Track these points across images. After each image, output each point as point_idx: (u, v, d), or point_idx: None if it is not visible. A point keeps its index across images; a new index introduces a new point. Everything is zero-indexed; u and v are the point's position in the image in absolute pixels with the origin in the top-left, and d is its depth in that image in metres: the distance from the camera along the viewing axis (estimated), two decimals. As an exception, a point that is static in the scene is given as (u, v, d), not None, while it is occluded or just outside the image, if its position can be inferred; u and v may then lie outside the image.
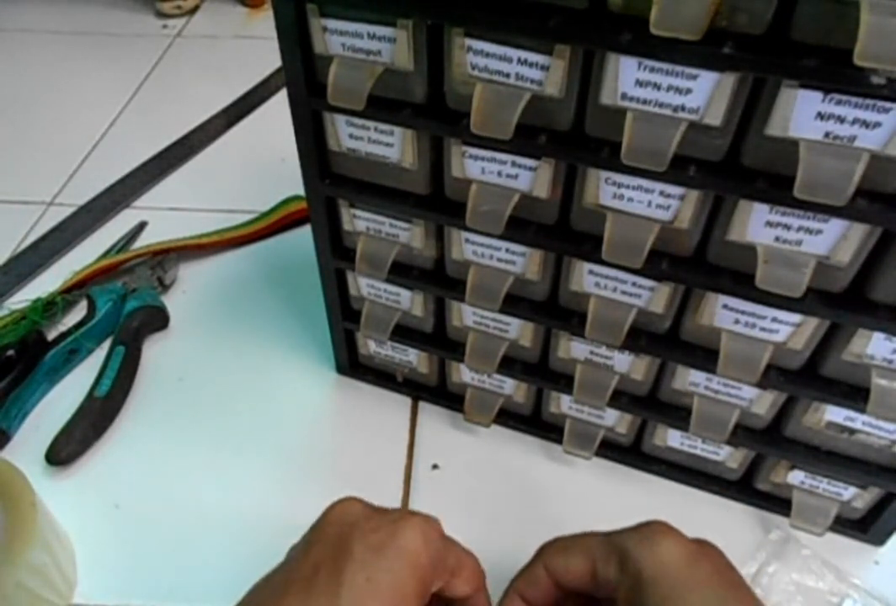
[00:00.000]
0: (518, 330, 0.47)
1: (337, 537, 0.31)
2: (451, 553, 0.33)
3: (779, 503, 0.48)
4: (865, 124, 0.29)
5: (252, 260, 0.68)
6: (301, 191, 0.45)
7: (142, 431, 0.54)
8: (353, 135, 0.41)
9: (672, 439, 0.48)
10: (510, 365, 0.48)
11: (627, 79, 0.31)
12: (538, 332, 0.47)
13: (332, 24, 0.36)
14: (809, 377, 0.40)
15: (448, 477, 0.51)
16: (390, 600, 0.29)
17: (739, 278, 0.36)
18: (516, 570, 0.36)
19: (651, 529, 0.32)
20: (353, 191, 0.43)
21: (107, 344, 0.59)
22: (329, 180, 0.44)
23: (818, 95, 0.29)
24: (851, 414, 0.40)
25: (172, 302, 0.63)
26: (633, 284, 0.40)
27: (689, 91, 0.31)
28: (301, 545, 0.32)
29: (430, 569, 0.31)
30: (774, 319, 0.38)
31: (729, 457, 0.48)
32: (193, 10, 1.08)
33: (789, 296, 0.35)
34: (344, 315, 0.52)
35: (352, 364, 0.57)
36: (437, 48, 0.35)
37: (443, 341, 0.51)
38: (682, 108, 0.31)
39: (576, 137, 0.35)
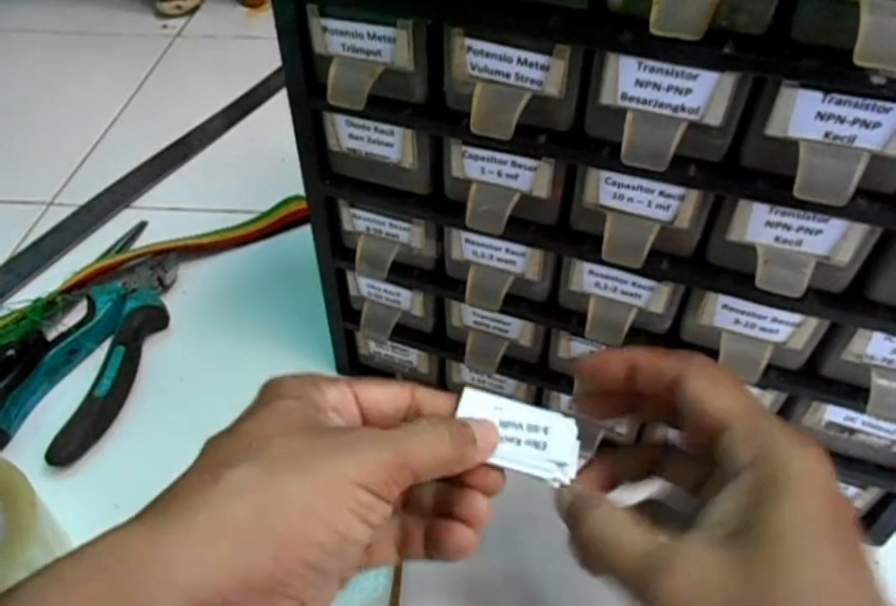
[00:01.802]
0: (518, 330, 0.47)
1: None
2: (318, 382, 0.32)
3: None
4: (865, 124, 0.29)
5: (252, 260, 0.68)
6: (301, 191, 0.45)
7: (142, 431, 0.54)
8: (353, 135, 0.41)
9: (672, 439, 0.48)
10: (510, 365, 0.48)
11: (627, 79, 0.31)
12: (538, 332, 0.47)
13: (332, 24, 0.36)
14: (809, 377, 0.40)
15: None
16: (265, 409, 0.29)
17: (739, 278, 0.36)
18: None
19: (809, 448, 0.27)
20: (353, 191, 0.43)
21: (107, 344, 0.59)
22: (329, 180, 0.44)
23: (818, 95, 0.29)
24: (851, 414, 0.40)
25: (172, 302, 0.63)
26: (633, 284, 0.40)
27: (689, 91, 0.31)
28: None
29: (292, 387, 0.31)
30: (774, 319, 0.38)
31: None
32: (193, 10, 1.08)
33: (789, 296, 0.35)
34: (344, 315, 0.52)
35: (352, 364, 0.57)
36: (437, 48, 0.35)
37: (443, 341, 0.51)
38: (682, 108, 0.31)
39: (576, 137, 0.35)
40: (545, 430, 0.33)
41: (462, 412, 0.33)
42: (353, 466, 0.25)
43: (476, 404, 0.33)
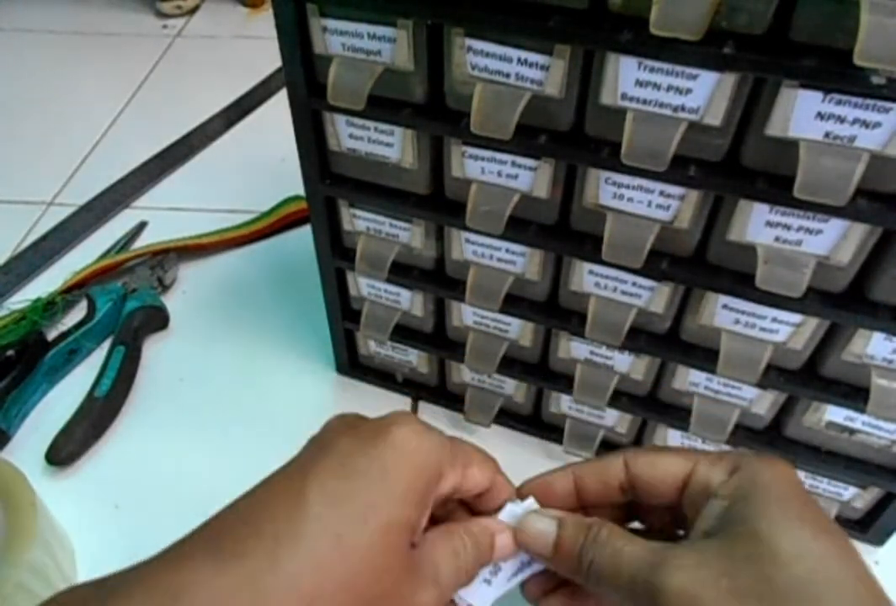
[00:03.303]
0: (518, 330, 0.47)
1: (324, 435, 0.28)
2: (455, 446, 0.30)
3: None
4: (865, 124, 0.29)
5: (252, 260, 0.68)
6: (301, 191, 0.45)
7: (142, 431, 0.54)
8: (353, 135, 0.41)
9: (672, 439, 0.48)
10: (510, 365, 0.48)
11: (627, 79, 0.31)
12: (538, 332, 0.47)
13: (332, 24, 0.36)
14: (809, 377, 0.40)
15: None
16: (372, 484, 0.25)
17: (739, 278, 0.36)
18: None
19: (770, 457, 0.30)
20: (353, 191, 0.43)
21: (107, 344, 0.59)
22: (329, 180, 0.44)
23: (818, 95, 0.29)
24: (851, 414, 0.40)
25: (172, 302, 0.63)
26: (633, 284, 0.40)
27: (689, 91, 0.31)
28: None
29: (432, 467, 0.27)
30: (774, 319, 0.38)
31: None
32: (193, 10, 1.08)
33: (789, 296, 0.35)
34: (344, 315, 0.52)
35: (352, 364, 0.57)
36: (437, 48, 0.35)
37: (443, 341, 0.51)
38: (682, 108, 0.31)
39: (576, 137, 0.35)
40: None
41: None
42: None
43: None
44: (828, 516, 0.27)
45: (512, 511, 0.32)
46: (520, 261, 0.42)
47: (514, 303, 0.44)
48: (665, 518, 0.32)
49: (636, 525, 0.34)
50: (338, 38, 0.36)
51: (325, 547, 0.23)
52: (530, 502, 0.32)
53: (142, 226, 0.72)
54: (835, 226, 0.33)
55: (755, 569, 0.25)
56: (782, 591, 0.24)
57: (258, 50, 0.97)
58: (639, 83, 0.31)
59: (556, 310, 0.44)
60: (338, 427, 0.29)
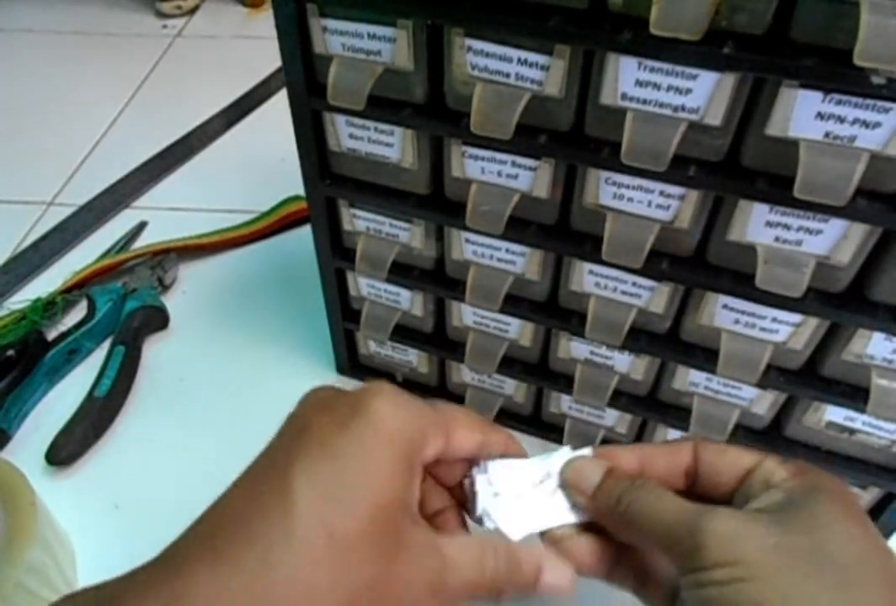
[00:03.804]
0: (518, 330, 0.47)
1: (297, 417, 0.28)
2: (437, 411, 0.29)
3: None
4: (865, 124, 0.29)
5: (252, 260, 0.68)
6: (301, 191, 0.45)
7: (142, 431, 0.54)
8: (353, 135, 0.41)
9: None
10: (510, 365, 0.48)
11: (627, 79, 0.31)
12: (538, 332, 0.47)
13: (332, 24, 0.36)
14: (809, 377, 0.40)
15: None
16: (355, 467, 0.25)
17: (739, 278, 0.36)
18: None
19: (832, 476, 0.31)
20: (353, 191, 0.43)
21: (107, 344, 0.59)
22: (329, 180, 0.44)
23: (818, 95, 0.29)
24: (851, 414, 0.40)
25: (172, 302, 0.63)
26: (633, 284, 0.40)
27: (689, 91, 0.31)
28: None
29: (412, 436, 0.27)
30: (774, 319, 0.38)
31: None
32: (193, 10, 1.08)
33: (789, 296, 0.35)
34: (344, 315, 0.52)
35: (352, 364, 0.57)
36: (437, 48, 0.35)
37: (443, 341, 0.51)
38: (682, 108, 0.31)
39: (576, 137, 0.35)
40: (548, 474, 0.33)
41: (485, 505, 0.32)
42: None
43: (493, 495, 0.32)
44: (873, 525, 0.28)
45: (563, 453, 0.33)
46: (520, 261, 0.42)
47: (514, 303, 0.44)
48: None
49: None
50: (338, 38, 0.36)
51: (318, 545, 0.23)
52: (587, 450, 0.33)
53: (142, 226, 0.72)
54: (835, 226, 0.33)
55: (806, 538, 0.25)
56: (828, 562, 0.25)
57: (258, 50, 0.97)
58: (639, 83, 0.31)
59: (556, 310, 0.44)
60: (314, 403, 0.28)
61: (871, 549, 0.26)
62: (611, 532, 0.31)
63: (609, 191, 0.36)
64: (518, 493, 0.32)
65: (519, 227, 0.40)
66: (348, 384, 0.57)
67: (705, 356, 0.41)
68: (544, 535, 0.32)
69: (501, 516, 0.31)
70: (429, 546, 0.26)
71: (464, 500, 0.33)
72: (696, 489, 0.32)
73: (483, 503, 0.32)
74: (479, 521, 0.32)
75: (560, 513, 0.32)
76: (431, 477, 0.33)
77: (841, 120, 0.29)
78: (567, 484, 0.32)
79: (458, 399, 0.53)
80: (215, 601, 0.22)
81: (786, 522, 0.26)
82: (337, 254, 0.48)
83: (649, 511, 0.28)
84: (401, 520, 0.26)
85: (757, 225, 0.34)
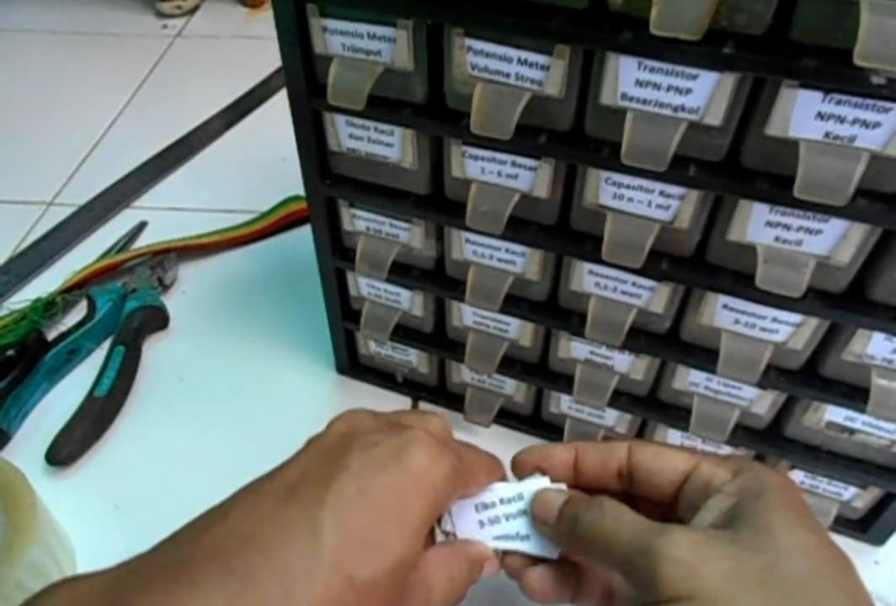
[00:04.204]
0: (518, 330, 0.47)
1: (334, 446, 0.27)
2: (464, 462, 0.30)
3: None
4: (865, 124, 0.29)
5: (252, 260, 0.68)
6: (301, 191, 0.45)
7: (142, 431, 0.54)
8: (353, 135, 0.41)
9: (672, 439, 0.48)
10: (510, 365, 0.48)
11: (627, 79, 0.31)
12: (538, 332, 0.47)
13: (332, 24, 0.36)
14: (809, 377, 0.40)
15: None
16: (389, 518, 0.25)
17: (739, 278, 0.36)
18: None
19: (766, 467, 0.31)
20: (353, 191, 0.43)
21: (107, 344, 0.59)
22: (329, 180, 0.44)
23: (818, 95, 0.29)
24: (851, 414, 0.40)
25: (172, 302, 0.63)
26: (633, 284, 0.40)
27: (689, 91, 0.31)
28: (296, 454, 0.28)
29: (445, 491, 0.28)
30: (774, 319, 0.38)
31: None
32: (193, 10, 1.08)
33: (789, 296, 0.35)
34: (344, 315, 0.52)
35: (352, 364, 0.57)
36: (437, 48, 0.35)
37: (443, 341, 0.51)
38: (682, 108, 0.31)
39: (576, 137, 0.35)
40: (520, 496, 0.33)
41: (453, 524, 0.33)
42: None
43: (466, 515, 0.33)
44: (824, 528, 0.29)
45: (531, 484, 0.33)
46: (520, 261, 0.42)
47: (514, 303, 0.44)
48: (655, 516, 0.32)
49: None
50: (338, 38, 0.36)
51: (337, 586, 0.23)
52: (562, 485, 0.33)
53: (142, 226, 0.72)
54: (835, 226, 0.33)
55: (761, 558, 0.25)
56: (785, 582, 0.25)
57: (258, 50, 0.97)
58: (639, 83, 0.31)
59: (556, 310, 0.44)
60: (353, 434, 0.28)
61: (824, 560, 0.26)
62: (575, 556, 0.32)
63: (609, 191, 0.36)
64: (483, 503, 0.33)
65: (519, 227, 0.40)
66: (348, 384, 0.57)
67: (705, 356, 0.41)
68: (504, 562, 0.33)
69: (460, 518, 0.33)
70: (422, 579, 0.28)
71: None
72: (634, 491, 0.32)
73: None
74: (437, 521, 0.32)
75: (515, 533, 0.33)
76: None
77: (841, 120, 0.29)
78: (534, 516, 0.32)
79: (458, 399, 0.53)
80: None
81: (739, 540, 0.26)
82: (337, 254, 0.48)
83: (606, 532, 0.28)
84: (408, 574, 0.27)
85: (757, 225, 0.34)
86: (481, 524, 0.33)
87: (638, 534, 0.27)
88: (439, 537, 0.33)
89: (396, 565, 0.25)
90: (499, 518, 0.33)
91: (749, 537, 0.26)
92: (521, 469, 0.34)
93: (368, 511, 0.25)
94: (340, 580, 0.23)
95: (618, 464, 0.32)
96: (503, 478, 0.34)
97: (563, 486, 0.33)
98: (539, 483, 0.33)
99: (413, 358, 0.54)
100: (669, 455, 0.31)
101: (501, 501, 0.33)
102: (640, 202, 0.36)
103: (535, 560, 0.33)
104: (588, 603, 0.33)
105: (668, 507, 0.32)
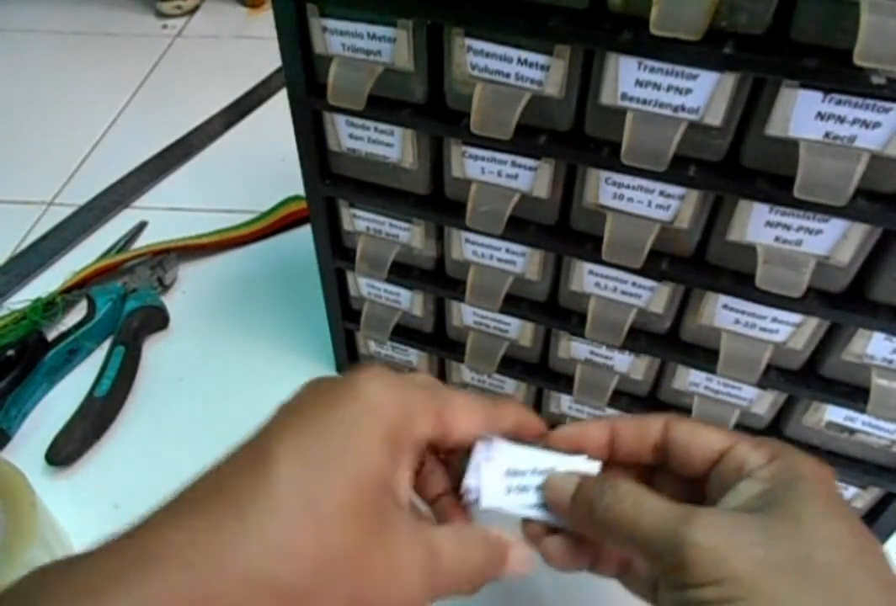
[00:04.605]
0: (518, 330, 0.47)
1: (289, 402, 0.28)
2: (434, 393, 0.29)
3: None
4: (865, 124, 0.29)
5: (252, 260, 0.68)
6: (301, 191, 0.45)
7: (142, 431, 0.54)
8: (353, 135, 0.41)
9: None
10: (510, 365, 0.48)
11: (627, 79, 0.31)
12: (538, 332, 0.47)
13: (332, 24, 0.36)
14: (809, 377, 0.40)
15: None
16: (341, 443, 0.25)
17: (739, 278, 0.36)
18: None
19: (806, 454, 0.29)
20: (353, 191, 0.43)
21: (107, 344, 0.59)
22: (329, 180, 0.44)
23: (818, 95, 0.29)
24: (851, 414, 0.40)
25: (172, 302, 0.63)
26: (633, 284, 0.40)
27: (689, 91, 0.31)
28: None
29: (400, 416, 0.26)
30: (774, 319, 0.38)
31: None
32: (193, 10, 1.08)
33: (789, 296, 0.35)
34: (344, 315, 0.52)
35: (352, 364, 0.57)
36: (437, 48, 0.35)
37: (443, 341, 0.51)
38: (682, 108, 0.31)
39: (576, 137, 0.35)
40: (553, 468, 0.32)
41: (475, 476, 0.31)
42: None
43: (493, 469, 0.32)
44: (858, 518, 0.28)
45: (566, 461, 0.32)
46: (520, 261, 0.42)
47: (514, 303, 0.44)
48: (680, 494, 0.31)
49: None
50: (338, 38, 0.36)
51: (296, 509, 0.23)
52: (579, 459, 0.32)
53: (142, 226, 0.72)
54: (835, 226, 0.33)
55: (793, 546, 0.25)
56: (817, 572, 0.24)
57: (258, 50, 0.97)
58: (639, 83, 0.31)
59: (556, 310, 0.44)
60: (308, 388, 0.28)
61: (858, 551, 0.25)
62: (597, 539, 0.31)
63: (609, 191, 0.36)
64: (514, 469, 0.32)
65: (519, 227, 0.40)
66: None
67: (705, 356, 0.41)
68: (525, 528, 0.32)
69: (487, 480, 0.31)
70: (414, 533, 0.26)
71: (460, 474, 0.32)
72: (667, 466, 0.31)
73: (476, 460, 0.31)
74: (463, 477, 0.31)
75: (542, 504, 0.31)
76: (439, 463, 0.33)
77: (841, 120, 0.29)
78: (548, 504, 0.31)
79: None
80: (186, 548, 0.22)
81: (770, 527, 0.26)
82: (337, 254, 0.48)
83: (625, 518, 0.28)
84: (382, 500, 0.25)
85: (757, 225, 0.34)
86: (508, 490, 0.31)
87: (661, 520, 0.27)
88: (465, 499, 0.31)
89: (355, 487, 0.24)
90: (527, 487, 0.31)
91: (780, 524, 0.26)
92: (557, 447, 0.33)
93: (316, 438, 0.25)
94: (298, 502, 0.23)
95: (654, 439, 0.31)
96: (490, 413, 0.31)
97: (597, 465, 0.32)
98: (573, 461, 0.32)
99: (413, 358, 0.54)
100: (706, 432, 0.30)
101: (533, 471, 0.32)
102: (640, 202, 0.36)
103: (554, 529, 0.32)
104: (606, 571, 0.32)
105: (696, 485, 0.31)
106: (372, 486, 0.25)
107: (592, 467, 0.32)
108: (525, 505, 0.31)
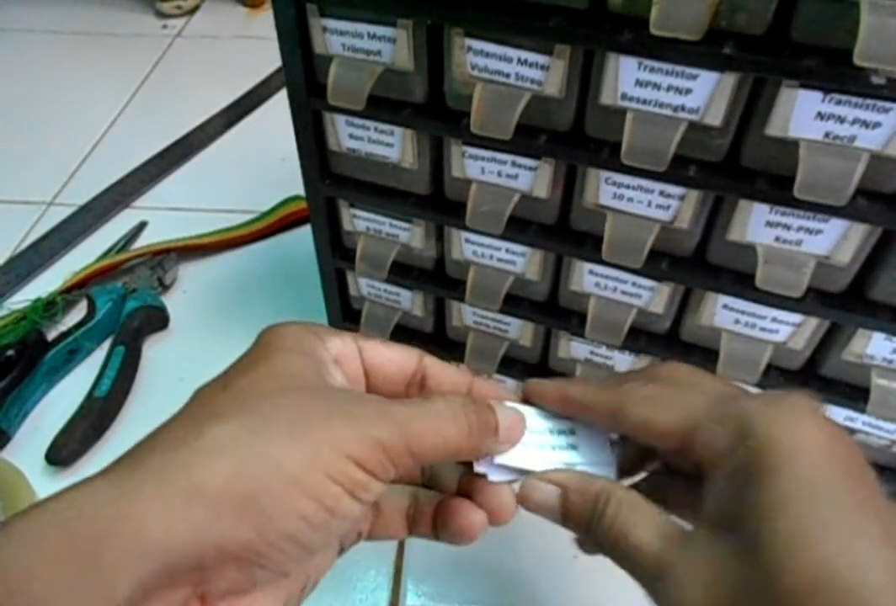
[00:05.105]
0: (518, 331, 0.47)
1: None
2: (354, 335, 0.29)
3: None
4: (865, 124, 0.29)
5: (252, 260, 0.68)
6: (301, 191, 0.45)
7: (142, 431, 0.54)
8: (353, 135, 0.41)
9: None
10: (510, 365, 0.48)
11: (627, 79, 0.31)
12: (538, 332, 0.47)
13: (332, 24, 0.36)
14: (809, 377, 0.40)
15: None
16: (261, 364, 0.28)
17: (739, 278, 0.36)
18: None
19: (790, 404, 0.24)
20: (353, 191, 0.43)
21: (107, 344, 0.59)
22: (329, 180, 0.44)
23: (818, 95, 0.29)
24: (851, 414, 0.40)
25: (172, 302, 0.63)
26: (633, 284, 0.40)
27: (689, 91, 0.31)
28: None
29: (296, 334, 0.28)
30: (774, 319, 0.38)
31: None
32: (193, 10, 1.08)
33: (789, 296, 0.35)
34: (344, 315, 0.52)
35: (352, 364, 0.57)
36: (437, 48, 0.35)
37: (443, 341, 0.51)
38: (682, 108, 0.31)
39: (576, 137, 0.35)
40: (571, 431, 0.30)
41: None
42: (350, 439, 0.23)
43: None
44: (870, 477, 0.21)
45: (588, 433, 0.29)
46: (520, 261, 0.42)
47: (514, 303, 0.44)
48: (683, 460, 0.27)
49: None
50: (338, 38, 0.36)
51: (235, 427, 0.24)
52: (602, 435, 0.29)
53: (142, 226, 0.72)
54: (835, 226, 0.33)
55: (753, 591, 0.21)
56: None
57: (258, 50, 0.97)
58: (639, 83, 0.31)
59: (556, 310, 0.44)
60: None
61: (879, 571, 0.19)
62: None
63: (609, 191, 0.36)
64: (530, 427, 0.29)
65: (519, 227, 0.40)
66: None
67: (705, 356, 0.41)
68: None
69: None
70: (368, 399, 0.25)
71: None
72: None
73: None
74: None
75: (563, 463, 0.29)
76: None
77: (841, 120, 0.29)
78: (530, 507, 0.28)
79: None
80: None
81: (743, 566, 0.21)
82: (337, 254, 0.48)
83: (620, 551, 0.25)
84: (314, 382, 0.26)
85: (757, 225, 0.34)
86: (525, 447, 0.28)
87: (645, 564, 0.24)
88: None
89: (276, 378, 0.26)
90: (544, 445, 0.29)
91: (758, 558, 0.21)
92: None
93: (230, 380, 0.28)
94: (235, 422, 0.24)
95: (607, 416, 0.28)
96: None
97: (614, 437, 0.29)
98: (597, 436, 0.29)
99: (413, 358, 0.54)
100: (662, 413, 0.26)
101: (551, 431, 0.29)
102: (640, 202, 0.36)
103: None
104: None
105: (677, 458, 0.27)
106: (299, 374, 0.26)
107: (614, 438, 0.29)
108: (547, 460, 0.28)
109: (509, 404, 0.29)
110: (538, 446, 0.29)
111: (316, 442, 0.22)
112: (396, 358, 0.29)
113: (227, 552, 0.21)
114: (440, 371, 0.30)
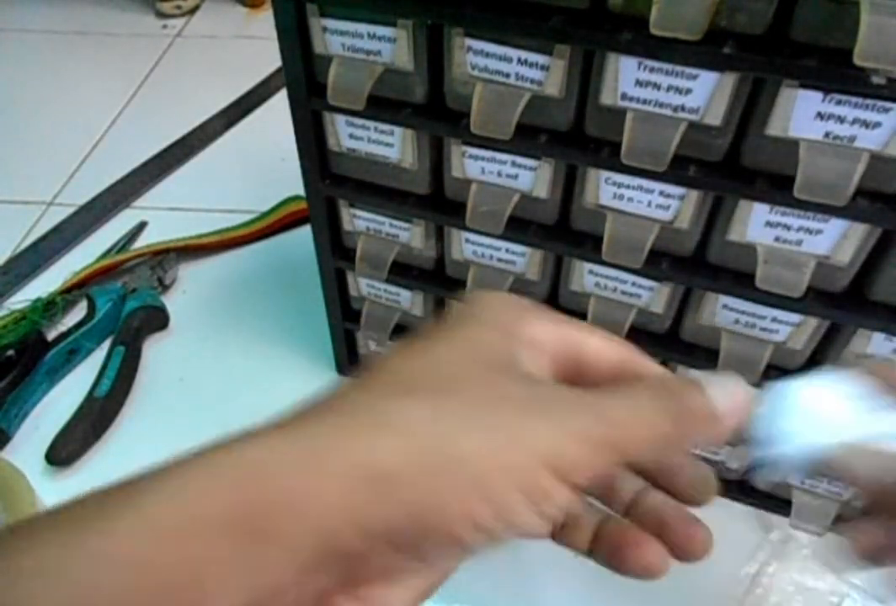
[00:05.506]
0: (518, 330, 0.47)
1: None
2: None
3: (779, 503, 0.48)
4: (865, 124, 0.29)
5: (252, 260, 0.68)
6: (301, 191, 0.45)
7: (142, 431, 0.54)
8: (353, 135, 0.41)
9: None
10: (510, 365, 0.48)
11: (627, 79, 0.31)
12: (538, 332, 0.46)
13: (332, 24, 0.36)
14: (809, 377, 0.40)
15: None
16: (459, 340, 0.22)
17: (739, 278, 0.36)
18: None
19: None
20: (353, 191, 0.43)
21: (107, 344, 0.59)
22: (329, 180, 0.44)
23: (818, 95, 0.29)
24: (851, 414, 0.40)
25: (172, 302, 0.63)
26: (633, 284, 0.40)
27: (689, 91, 0.31)
28: None
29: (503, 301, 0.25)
30: (774, 319, 0.38)
31: (730, 457, 0.48)
32: (193, 10, 1.08)
33: (789, 296, 0.35)
34: (344, 315, 0.52)
35: (352, 364, 0.57)
36: (437, 48, 0.35)
37: (443, 341, 0.51)
38: (682, 108, 0.31)
39: (576, 137, 0.35)
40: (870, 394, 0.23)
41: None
42: (548, 437, 0.20)
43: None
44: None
45: None
46: (520, 261, 0.42)
47: (514, 303, 0.44)
48: None
49: None
50: (338, 38, 0.36)
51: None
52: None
53: (142, 226, 0.72)
54: (835, 226, 0.33)
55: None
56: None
57: (258, 50, 0.97)
58: (639, 83, 0.31)
59: (556, 310, 0.44)
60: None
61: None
62: None
63: (609, 191, 0.36)
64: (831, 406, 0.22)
65: (519, 227, 0.40)
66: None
67: (705, 356, 0.41)
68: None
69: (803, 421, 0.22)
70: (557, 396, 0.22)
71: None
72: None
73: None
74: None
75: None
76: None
77: (841, 120, 0.29)
78: None
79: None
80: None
81: None
82: (337, 254, 0.48)
83: None
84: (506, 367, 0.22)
85: (757, 225, 0.34)
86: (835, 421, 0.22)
87: None
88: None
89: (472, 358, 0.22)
90: (860, 410, 0.22)
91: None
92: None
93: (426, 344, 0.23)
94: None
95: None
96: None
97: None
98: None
99: (413, 358, 0.54)
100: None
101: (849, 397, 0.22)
102: (640, 202, 0.36)
103: None
104: None
105: None
106: (497, 355, 0.22)
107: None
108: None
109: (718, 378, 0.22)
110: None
111: (508, 439, 0.20)
112: (613, 353, 0.25)
113: (386, 538, 0.19)
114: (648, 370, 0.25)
